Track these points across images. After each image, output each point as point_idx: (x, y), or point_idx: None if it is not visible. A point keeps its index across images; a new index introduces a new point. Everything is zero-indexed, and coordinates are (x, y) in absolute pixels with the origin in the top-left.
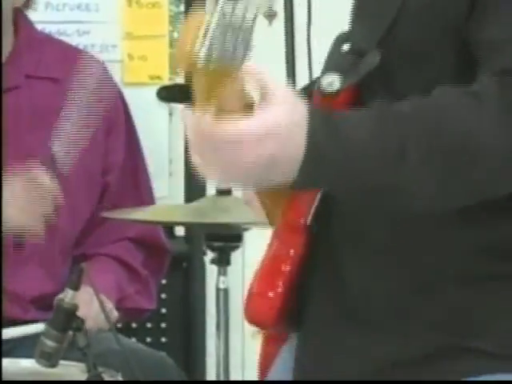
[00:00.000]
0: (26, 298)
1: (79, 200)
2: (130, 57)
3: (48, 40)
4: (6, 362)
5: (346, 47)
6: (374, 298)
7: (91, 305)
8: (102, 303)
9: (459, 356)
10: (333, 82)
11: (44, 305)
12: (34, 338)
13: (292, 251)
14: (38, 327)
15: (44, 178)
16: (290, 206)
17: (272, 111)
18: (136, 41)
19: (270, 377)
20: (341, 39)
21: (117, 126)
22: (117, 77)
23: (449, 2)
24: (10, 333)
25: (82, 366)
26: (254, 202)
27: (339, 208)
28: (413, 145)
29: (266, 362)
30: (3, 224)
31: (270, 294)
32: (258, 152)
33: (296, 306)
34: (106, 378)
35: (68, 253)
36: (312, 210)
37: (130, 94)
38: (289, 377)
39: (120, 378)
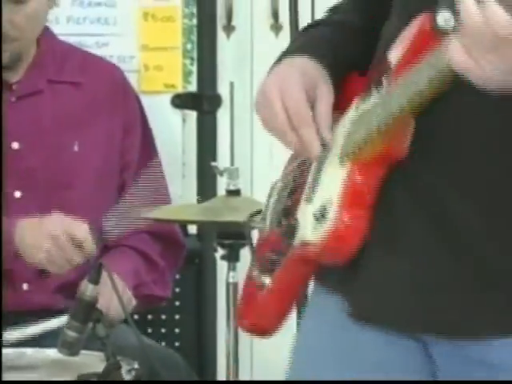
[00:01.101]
0: (51, 287)
1: (99, 196)
2: (146, 67)
3: (70, 49)
4: (31, 350)
5: None
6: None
7: (112, 297)
8: (118, 293)
9: None
10: (449, 19)
11: (68, 293)
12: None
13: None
14: (60, 321)
15: (88, 240)
16: (388, 138)
17: None
18: (151, 52)
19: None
20: None
21: (133, 127)
22: (134, 85)
23: None
24: (33, 329)
25: (101, 355)
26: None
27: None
28: None
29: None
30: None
31: (357, 221)
32: None
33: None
34: (124, 366)
35: None
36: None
37: (146, 102)
38: (342, 322)
39: (136, 367)
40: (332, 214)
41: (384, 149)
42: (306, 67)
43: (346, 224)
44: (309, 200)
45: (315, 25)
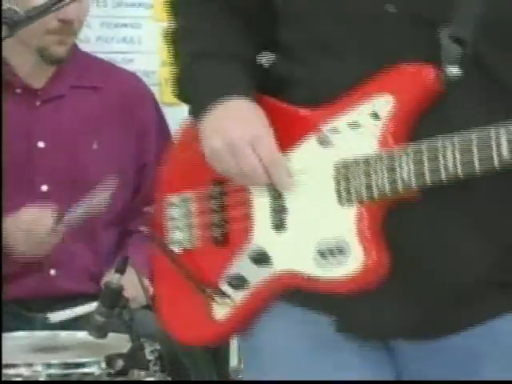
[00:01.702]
0: (78, 273)
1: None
2: (167, 81)
3: (89, 57)
4: (64, 333)
5: (446, 34)
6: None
7: (135, 286)
8: (142, 282)
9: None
10: (455, 71)
11: (92, 277)
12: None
13: None
14: (86, 308)
15: (48, 236)
16: None
17: None
18: None
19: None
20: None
21: (150, 129)
22: (156, 98)
23: None
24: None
25: (127, 337)
26: None
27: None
28: None
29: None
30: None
31: (382, 254)
32: None
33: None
34: (147, 347)
35: (108, 233)
36: None
37: (167, 112)
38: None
39: (158, 348)
40: (356, 251)
41: (403, 195)
42: (255, 110)
43: (376, 260)
44: (279, 229)
45: (208, 58)
